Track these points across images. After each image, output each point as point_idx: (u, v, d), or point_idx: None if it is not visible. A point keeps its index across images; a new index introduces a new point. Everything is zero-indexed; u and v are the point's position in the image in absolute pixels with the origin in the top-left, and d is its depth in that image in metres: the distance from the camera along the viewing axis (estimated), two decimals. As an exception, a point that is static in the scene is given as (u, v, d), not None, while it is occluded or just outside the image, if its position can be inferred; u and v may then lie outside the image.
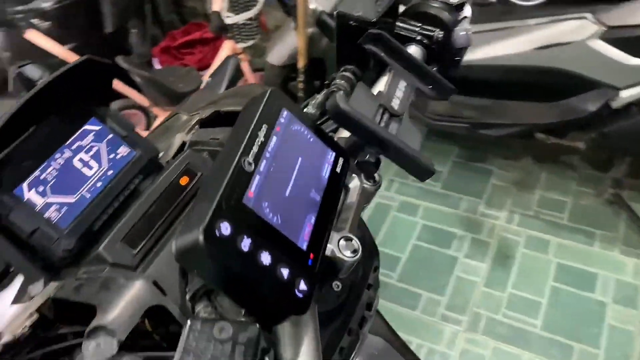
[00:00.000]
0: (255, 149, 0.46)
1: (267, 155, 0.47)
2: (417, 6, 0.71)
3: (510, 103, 2.12)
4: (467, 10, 0.72)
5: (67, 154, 0.74)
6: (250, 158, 0.45)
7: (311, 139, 0.52)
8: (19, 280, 0.79)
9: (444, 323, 1.95)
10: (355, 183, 0.60)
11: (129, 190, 0.71)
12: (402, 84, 0.62)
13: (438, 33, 0.69)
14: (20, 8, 2.39)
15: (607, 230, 2.17)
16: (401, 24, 0.69)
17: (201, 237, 0.39)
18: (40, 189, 0.70)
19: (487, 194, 2.37)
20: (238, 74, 2.34)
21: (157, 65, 2.81)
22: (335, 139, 0.59)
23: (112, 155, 0.78)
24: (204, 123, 0.75)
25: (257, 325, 0.40)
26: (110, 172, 0.76)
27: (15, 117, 0.63)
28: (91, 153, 0.76)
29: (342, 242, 0.54)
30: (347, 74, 0.64)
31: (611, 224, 2.19)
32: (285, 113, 0.50)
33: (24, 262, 0.71)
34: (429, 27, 0.69)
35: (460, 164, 2.50)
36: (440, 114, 2.21)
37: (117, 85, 2.34)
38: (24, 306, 0.71)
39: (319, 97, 0.68)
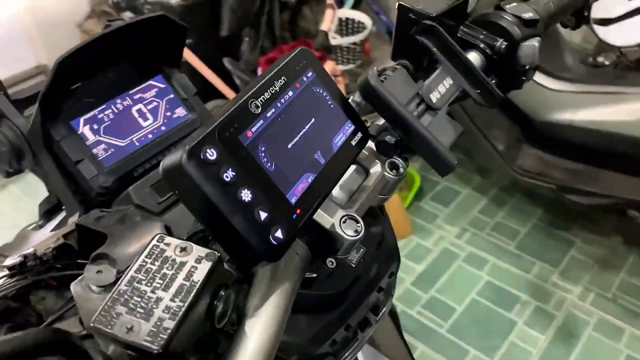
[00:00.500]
0: (266, 95, 0.46)
1: (278, 105, 0.47)
2: (487, 15, 0.69)
3: (606, 172, 1.98)
4: (540, 28, 0.69)
5: (128, 101, 0.79)
6: (259, 102, 0.45)
7: (331, 105, 0.52)
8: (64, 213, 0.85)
9: (486, 386, 1.82)
10: (376, 169, 0.58)
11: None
12: (448, 81, 0.60)
13: (502, 43, 0.66)
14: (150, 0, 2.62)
15: (694, 332, 1.94)
16: (465, 29, 0.68)
17: (184, 157, 0.39)
18: (95, 127, 0.75)
19: (563, 265, 2.21)
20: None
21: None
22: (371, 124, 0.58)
23: (168, 114, 0.82)
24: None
25: (218, 254, 0.39)
26: (163, 128, 0.80)
27: (86, 50, 0.68)
28: (150, 107, 0.81)
29: (346, 219, 0.52)
30: (398, 66, 0.63)
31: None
32: (310, 73, 0.51)
33: (65, 190, 0.76)
34: (493, 36, 0.66)
35: (541, 228, 2.36)
36: (528, 169, 2.11)
37: (218, 84, 2.47)
38: (57, 232, 0.75)
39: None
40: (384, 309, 0.70)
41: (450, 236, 2.33)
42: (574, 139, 1.97)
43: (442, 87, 0.59)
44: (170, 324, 0.35)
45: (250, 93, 0.45)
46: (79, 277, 0.55)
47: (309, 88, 0.50)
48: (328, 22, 2.38)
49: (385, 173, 0.59)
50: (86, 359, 0.38)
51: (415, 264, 2.22)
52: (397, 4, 0.64)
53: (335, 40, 2.41)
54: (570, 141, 1.98)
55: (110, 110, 0.76)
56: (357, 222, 0.53)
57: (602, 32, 1.93)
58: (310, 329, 0.62)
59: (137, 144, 0.78)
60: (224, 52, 2.69)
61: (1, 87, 0.77)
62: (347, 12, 2.71)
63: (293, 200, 0.45)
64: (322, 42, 2.35)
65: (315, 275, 0.59)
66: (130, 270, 0.38)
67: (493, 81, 0.66)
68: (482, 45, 0.67)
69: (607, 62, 2.06)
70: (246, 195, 0.42)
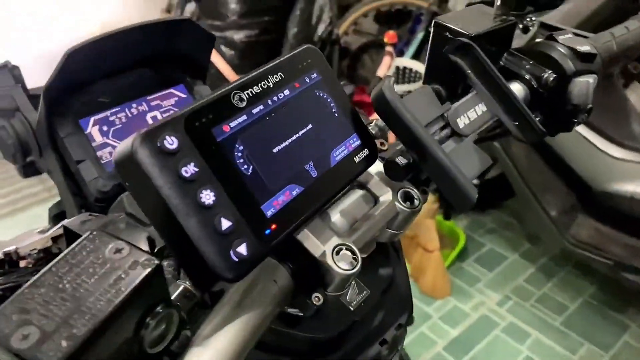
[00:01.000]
0: (255, 89, 0.40)
1: (269, 102, 0.40)
2: (536, 45, 0.61)
3: (672, 253, 1.80)
4: (597, 65, 0.60)
5: (144, 107, 0.75)
6: (245, 94, 0.39)
7: (336, 114, 0.45)
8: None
9: None
10: (387, 197, 0.50)
11: None
12: (480, 107, 0.52)
13: (550, 75, 0.58)
14: (216, 34, 2.67)
15: None
16: (508, 57, 0.60)
17: (137, 141, 0.33)
18: (105, 128, 0.71)
19: (615, 350, 2.00)
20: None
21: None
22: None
23: (184, 125, 0.77)
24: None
25: (158, 262, 0.32)
26: (175, 139, 0.75)
27: (101, 45, 0.64)
28: (166, 115, 0.76)
29: (340, 249, 0.44)
30: (425, 85, 0.56)
31: None
32: (314, 74, 0.44)
33: (66, 191, 0.71)
34: (541, 67, 0.58)
35: (592, 306, 2.16)
36: (582, 240, 1.95)
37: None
38: (48, 234, 0.71)
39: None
40: (388, 367, 0.61)
41: (491, 302, 2.16)
42: (636, 212, 1.81)
43: (472, 112, 0.51)
44: (74, 339, 0.28)
45: (235, 84, 0.39)
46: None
47: (310, 90, 0.43)
48: (384, 69, 2.35)
49: (397, 204, 0.51)
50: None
51: (450, 327, 2.06)
52: (433, 21, 0.58)
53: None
54: (632, 215, 1.82)
55: (123, 114, 0.73)
56: (354, 254, 0.45)
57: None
58: (295, 379, 0.53)
59: (145, 152, 0.73)
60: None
61: (20, 79, 0.75)
62: (405, 62, 2.68)
63: (269, 213, 0.38)
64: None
65: (301, 314, 0.51)
66: (48, 267, 0.32)
67: (537, 118, 0.57)
68: (527, 76, 0.59)
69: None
70: (207, 196, 0.35)
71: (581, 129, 1.83)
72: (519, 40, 0.64)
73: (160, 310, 0.33)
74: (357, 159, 0.45)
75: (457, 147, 0.48)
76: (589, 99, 0.59)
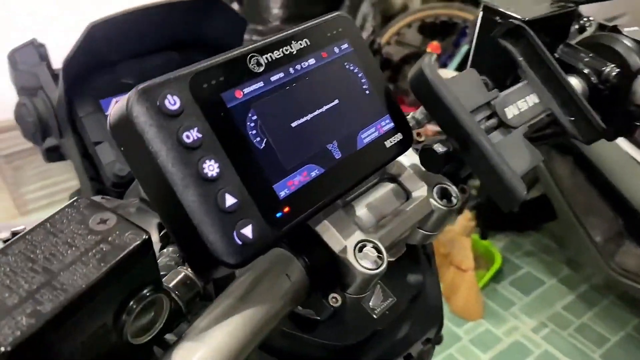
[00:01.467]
0: (276, 54, 0.35)
1: (290, 70, 0.36)
2: (598, 37, 0.55)
3: None
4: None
5: (168, 91, 0.72)
6: (263, 59, 0.34)
7: (367, 91, 0.39)
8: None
9: None
10: (420, 193, 0.45)
11: None
12: (532, 98, 0.46)
13: (612, 69, 0.51)
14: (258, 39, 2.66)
15: None
16: (565, 48, 0.54)
17: (133, 98, 0.29)
18: (126, 111, 0.68)
19: (658, 389, 1.86)
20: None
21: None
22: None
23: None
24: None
25: (147, 236, 0.28)
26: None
27: (125, 22, 0.61)
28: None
29: (364, 245, 0.39)
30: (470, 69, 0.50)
31: None
32: (345, 45, 0.39)
33: (83, 174, 0.68)
34: (603, 60, 0.52)
35: (636, 340, 2.03)
36: (628, 270, 1.83)
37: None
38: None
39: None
40: (412, 385, 0.54)
41: (525, 328, 2.05)
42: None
43: (523, 103, 0.45)
44: (38, 317, 0.24)
45: (253, 46, 0.34)
46: None
47: (339, 62, 0.38)
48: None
49: (432, 200, 0.45)
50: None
51: (480, 351, 1.96)
52: (482, 5, 0.52)
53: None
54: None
55: (146, 97, 0.69)
56: (379, 252, 0.39)
57: None
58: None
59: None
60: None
61: (45, 57, 0.73)
62: (448, 73, 2.61)
63: (282, 194, 0.33)
64: (415, 101, 2.25)
65: (317, 317, 0.46)
66: (22, 233, 0.28)
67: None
68: (585, 70, 0.53)
69: None
70: (210, 167, 0.30)
71: (630, 147, 1.72)
72: (572, 40, 0.58)
73: (147, 294, 0.29)
74: (388, 144, 0.40)
75: (504, 139, 0.42)
76: (655, 100, 0.52)
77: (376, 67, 0.40)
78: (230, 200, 0.30)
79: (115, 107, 0.30)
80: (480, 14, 0.52)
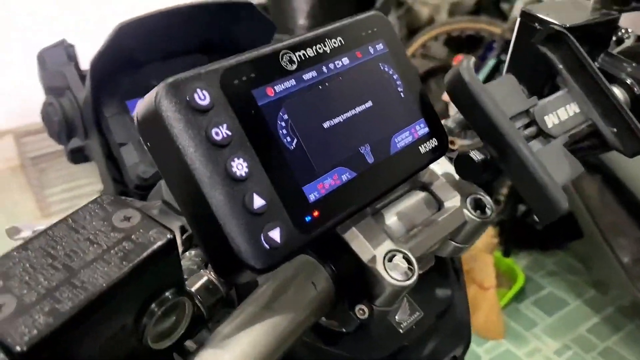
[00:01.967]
0: (309, 52, 0.34)
1: (324, 69, 0.34)
2: (640, 47, 0.53)
3: None
4: None
5: (194, 95, 0.71)
6: (296, 57, 0.33)
7: (402, 93, 0.38)
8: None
9: None
10: (453, 203, 0.43)
11: None
12: (573, 107, 0.44)
13: (657, 80, 0.49)
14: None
15: None
16: (607, 57, 0.52)
17: (162, 91, 0.28)
18: (152, 113, 0.67)
19: (687, 419, 1.79)
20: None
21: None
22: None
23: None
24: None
25: (171, 235, 0.26)
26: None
27: (153, 23, 0.61)
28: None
29: (394, 255, 0.37)
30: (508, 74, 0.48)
31: None
32: (380, 45, 0.38)
33: (106, 175, 0.68)
34: (647, 71, 0.50)
35: (664, 367, 1.96)
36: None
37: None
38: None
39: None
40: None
41: (547, 350, 2.00)
42: None
43: (563, 112, 0.43)
44: (56, 316, 0.23)
45: (286, 42, 0.33)
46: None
47: (374, 62, 0.37)
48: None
49: (465, 211, 0.43)
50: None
51: (500, 372, 1.92)
52: (520, 11, 0.50)
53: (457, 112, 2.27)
54: None
55: (172, 100, 0.69)
56: (410, 263, 0.38)
57: None
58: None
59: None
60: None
61: (73, 57, 0.73)
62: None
63: (311, 197, 0.32)
64: (441, 112, 2.23)
65: (343, 330, 0.44)
66: (43, 228, 0.26)
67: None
68: (628, 80, 0.50)
69: None
70: (239, 167, 0.29)
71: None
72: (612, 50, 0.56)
73: (170, 297, 0.27)
74: (422, 149, 0.38)
75: (543, 149, 0.40)
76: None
77: (411, 69, 0.39)
78: (258, 201, 0.29)
79: (143, 101, 0.29)
80: (518, 20, 0.50)
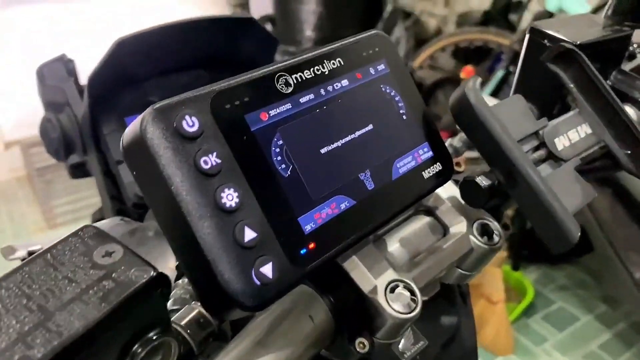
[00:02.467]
0: (307, 74, 0.32)
1: (321, 92, 0.33)
2: (655, 64, 0.51)
3: None
4: None
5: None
6: (292, 79, 0.32)
7: (404, 116, 0.36)
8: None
9: None
10: (459, 229, 0.41)
11: None
12: (584, 128, 0.42)
13: (672, 99, 0.47)
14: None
15: None
16: (619, 75, 0.50)
17: (149, 117, 0.26)
18: (151, 129, 0.66)
19: None
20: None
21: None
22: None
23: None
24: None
25: (155, 273, 0.25)
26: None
27: (152, 38, 0.60)
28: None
29: (396, 286, 0.35)
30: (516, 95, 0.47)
31: None
32: (381, 66, 0.36)
33: (104, 193, 0.66)
34: (661, 89, 0.48)
35: (678, 385, 1.91)
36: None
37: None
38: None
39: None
40: None
41: (558, 367, 1.96)
42: None
43: (574, 133, 0.41)
44: (23, 364, 0.21)
45: (282, 64, 0.32)
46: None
47: (374, 84, 0.35)
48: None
49: (472, 237, 0.41)
50: None
51: (509, 389, 1.88)
52: (528, 27, 0.49)
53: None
54: None
55: (173, 116, 0.67)
56: (413, 293, 0.36)
57: None
58: None
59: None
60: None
61: (73, 72, 0.72)
62: (490, 100, 2.55)
63: (307, 228, 0.30)
64: (448, 124, 2.21)
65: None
66: (20, 264, 0.25)
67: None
68: (641, 99, 0.48)
69: None
70: (229, 197, 0.27)
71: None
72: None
73: (154, 337, 0.25)
74: (426, 174, 0.36)
75: (553, 173, 0.39)
76: None
77: (414, 90, 0.37)
78: (250, 234, 0.27)
79: (130, 127, 0.28)
80: (527, 36, 0.48)
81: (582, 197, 0.38)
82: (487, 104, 0.36)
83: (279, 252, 0.28)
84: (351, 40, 0.35)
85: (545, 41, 0.47)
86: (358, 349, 0.36)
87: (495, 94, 2.71)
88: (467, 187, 0.37)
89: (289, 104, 0.31)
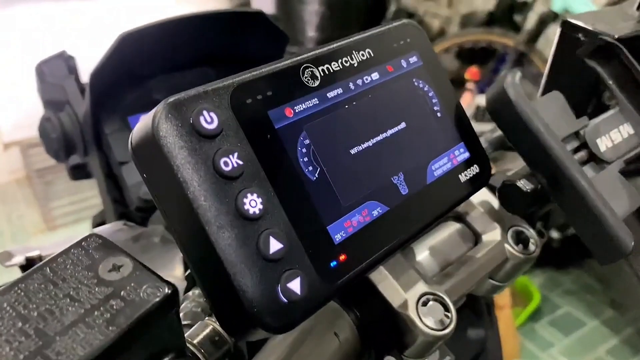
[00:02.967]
0: (334, 66, 0.29)
1: (350, 86, 0.29)
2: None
3: None
4: None
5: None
6: (319, 71, 0.28)
7: (438, 113, 0.33)
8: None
9: None
10: (493, 236, 0.38)
11: None
12: (627, 128, 0.39)
13: None
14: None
15: None
16: (659, 71, 0.46)
17: (161, 113, 0.23)
18: (156, 129, 0.63)
19: None
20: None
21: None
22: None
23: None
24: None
25: (170, 289, 0.21)
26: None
27: (156, 34, 0.57)
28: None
29: (428, 300, 0.32)
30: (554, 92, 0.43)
31: None
32: (414, 58, 0.33)
33: (105, 195, 0.63)
34: None
35: (687, 392, 1.88)
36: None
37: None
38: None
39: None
40: None
41: (571, 371, 1.93)
42: None
43: (616, 134, 0.38)
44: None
45: (307, 55, 0.28)
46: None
47: (407, 78, 0.32)
48: (464, 104, 2.22)
49: (507, 246, 0.38)
50: None
51: (516, 395, 1.84)
52: (560, 21, 0.46)
53: (489, 131, 2.23)
54: None
55: (178, 115, 0.64)
56: (447, 308, 0.33)
57: None
58: None
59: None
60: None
61: (74, 70, 0.68)
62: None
63: (337, 238, 0.27)
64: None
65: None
66: (17, 279, 0.22)
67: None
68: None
69: None
70: (252, 203, 0.24)
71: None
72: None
73: (168, 364, 0.22)
74: (463, 178, 0.33)
75: (597, 177, 0.35)
76: None
77: (449, 85, 0.34)
78: (275, 245, 0.24)
79: (139, 124, 0.25)
80: (558, 31, 0.45)
81: (630, 202, 0.35)
82: (529, 100, 0.33)
83: (307, 265, 0.25)
84: (381, 29, 0.32)
85: (580, 35, 0.44)
86: (386, 368, 0.33)
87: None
88: (507, 192, 0.34)
89: (316, 99, 0.28)
